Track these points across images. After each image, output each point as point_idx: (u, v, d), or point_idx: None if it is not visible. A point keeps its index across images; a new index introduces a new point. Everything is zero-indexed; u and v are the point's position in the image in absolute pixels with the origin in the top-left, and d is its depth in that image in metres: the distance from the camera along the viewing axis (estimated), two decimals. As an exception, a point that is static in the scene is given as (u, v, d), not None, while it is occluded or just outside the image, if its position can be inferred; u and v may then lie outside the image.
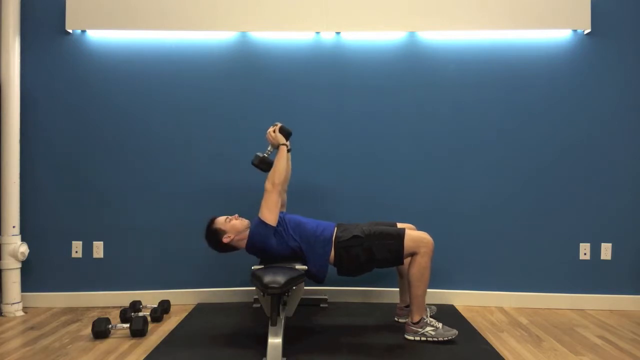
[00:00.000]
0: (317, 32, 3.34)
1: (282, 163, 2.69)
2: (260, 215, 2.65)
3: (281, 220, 2.73)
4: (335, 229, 2.75)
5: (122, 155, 3.35)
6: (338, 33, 3.36)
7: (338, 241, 2.67)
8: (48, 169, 3.33)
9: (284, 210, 3.03)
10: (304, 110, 3.37)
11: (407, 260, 2.74)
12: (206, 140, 3.37)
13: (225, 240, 2.72)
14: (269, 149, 2.80)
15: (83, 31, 3.33)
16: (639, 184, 3.31)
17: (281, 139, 2.75)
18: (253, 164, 2.77)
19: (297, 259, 2.68)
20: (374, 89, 3.36)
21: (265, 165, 2.76)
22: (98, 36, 3.34)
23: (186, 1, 3.28)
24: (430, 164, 3.36)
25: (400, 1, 3.28)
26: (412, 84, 3.36)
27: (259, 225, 2.64)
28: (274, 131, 2.77)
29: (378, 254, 2.64)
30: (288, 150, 2.81)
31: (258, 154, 2.77)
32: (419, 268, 2.62)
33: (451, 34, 3.33)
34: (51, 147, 3.33)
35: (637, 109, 3.31)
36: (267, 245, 2.65)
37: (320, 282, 2.75)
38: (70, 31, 3.33)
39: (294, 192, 3.35)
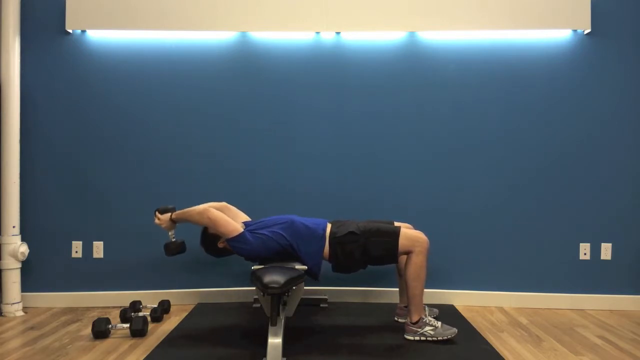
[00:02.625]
0: (317, 32, 3.34)
1: (190, 212, 2.70)
2: (225, 237, 2.67)
3: (270, 222, 2.74)
4: (330, 225, 2.76)
5: (122, 155, 3.35)
6: (338, 33, 3.36)
7: (333, 237, 2.68)
8: (48, 169, 3.33)
9: (247, 216, 3.02)
10: (304, 110, 3.37)
11: (403, 260, 2.74)
12: (206, 140, 3.37)
13: (220, 245, 2.73)
14: (169, 234, 2.83)
15: (83, 31, 3.33)
16: (639, 184, 3.31)
17: (167, 215, 2.78)
18: (168, 255, 2.80)
19: (292, 257, 2.69)
20: (374, 89, 3.36)
21: (176, 249, 2.80)
22: (98, 36, 3.34)
23: (186, 1, 3.28)
24: (430, 164, 3.36)
25: (400, 1, 3.28)
26: (412, 84, 3.36)
27: (232, 242, 2.65)
28: (158, 218, 2.79)
29: (373, 251, 2.64)
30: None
31: (165, 243, 2.80)
32: (415, 267, 2.62)
33: (451, 34, 3.33)
34: (51, 147, 3.33)
35: (637, 109, 3.31)
36: (253, 251, 2.66)
37: (315, 279, 2.75)
38: (70, 31, 3.33)
39: (294, 192, 3.35)
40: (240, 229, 2.65)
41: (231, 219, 2.75)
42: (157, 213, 2.81)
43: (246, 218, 2.98)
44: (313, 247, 2.68)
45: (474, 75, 3.34)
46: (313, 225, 2.72)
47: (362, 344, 2.58)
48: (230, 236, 2.64)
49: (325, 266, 2.76)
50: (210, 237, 2.77)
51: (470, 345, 2.57)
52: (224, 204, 2.94)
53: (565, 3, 3.23)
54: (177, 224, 2.81)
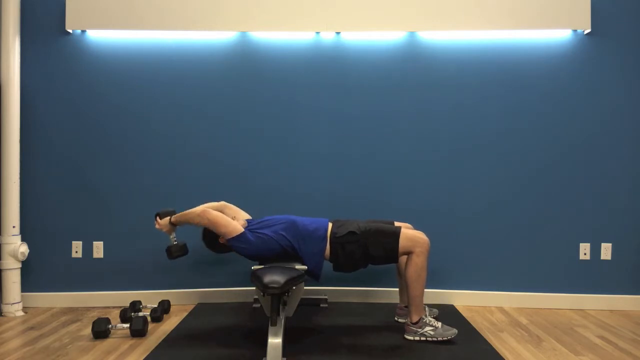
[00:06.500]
0: (317, 32, 3.34)
1: (190, 214, 2.69)
2: (225, 237, 2.67)
3: (272, 222, 2.74)
4: (331, 225, 2.76)
5: (122, 155, 3.35)
6: (338, 33, 3.36)
7: (334, 237, 2.68)
8: (48, 169, 3.33)
9: (247, 214, 3.02)
10: (304, 110, 3.37)
11: (403, 260, 2.74)
12: (206, 140, 3.37)
13: (222, 240, 2.73)
14: (171, 237, 2.81)
15: (83, 31, 3.33)
16: (639, 184, 3.31)
17: (166, 219, 2.77)
18: (171, 258, 2.78)
19: (292, 258, 2.69)
20: (374, 89, 3.36)
21: (178, 251, 2.78)
22: (98, 36, 3.34)
23: (186, 1, 3.28)
24: (430, 164, 3.36)
25: (400, 1, 3.28)
26: (412, 83, 3.36)
27: (232, 242, 2.66)
28: (158, 223, 2.78)
29: (373, 251, 2.64)
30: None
31: (167, 247, 2.77)
32: (415, 268, 2.61)
33: (451, 34, 3.33)
34: (51, 147, 3.33)
35: (637, 109, 3.31)
36: (254, 251, 2.67)
37: (316, 279, 2.75)
38: (70, 31, 3.33)
39: (294, 192, 3.36)
40: (240, 228, 2.65)
41: (231, 217, 2.75)
42: (157, 217, 2.81)
43: (247, 216, 2.99)
44: (314, 248, 2.68)
45: (474, 75, 3.34)
46: (314, 226, 2.72)
47: (362, 344, 2.58)
48: (231, 236, 2.64)
49: (326, 266, 2.77)
50: (211, 233, 2.77)
51: (470, 346, 2.57)
52: (222, 203, 2.94)
53: (565, 3, 3.23)
54: (177, 227, 2.81)
